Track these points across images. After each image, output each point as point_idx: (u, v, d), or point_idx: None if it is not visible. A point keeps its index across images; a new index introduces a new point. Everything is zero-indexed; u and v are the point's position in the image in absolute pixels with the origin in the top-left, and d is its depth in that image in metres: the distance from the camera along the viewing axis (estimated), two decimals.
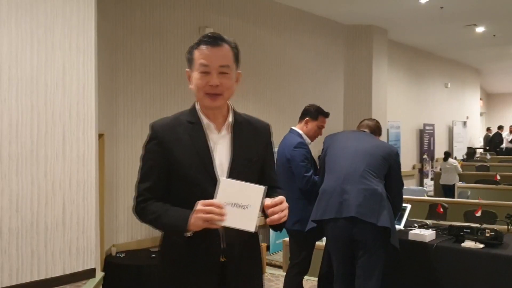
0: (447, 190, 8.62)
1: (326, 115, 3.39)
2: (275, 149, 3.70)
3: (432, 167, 11.31)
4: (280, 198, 1.41)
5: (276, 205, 1.38)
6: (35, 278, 3.43)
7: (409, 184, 9.81)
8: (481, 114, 16.68)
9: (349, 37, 8.34)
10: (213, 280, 1.46)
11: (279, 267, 5.34)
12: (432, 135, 11.52)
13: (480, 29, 8.92)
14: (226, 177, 1.44)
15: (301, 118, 3.40)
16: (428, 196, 8.07)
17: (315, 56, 7.71)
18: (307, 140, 3.34)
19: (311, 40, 7.61)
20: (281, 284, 3.44)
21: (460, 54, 11.91)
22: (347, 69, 8.37)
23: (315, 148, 3.47)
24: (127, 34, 5.10)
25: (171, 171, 1.47)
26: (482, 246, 2.89)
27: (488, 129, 15.37)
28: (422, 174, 11.16)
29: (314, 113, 3.34)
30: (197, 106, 1.54)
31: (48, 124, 3.52)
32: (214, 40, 1.46)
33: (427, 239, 3.08)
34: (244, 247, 1.51)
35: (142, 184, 1.49)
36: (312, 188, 3.12)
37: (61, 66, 3.59)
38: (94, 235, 3.73)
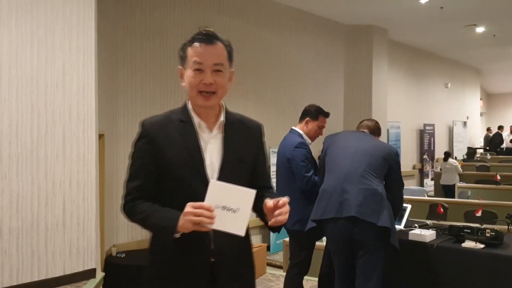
0: (448, 190, 8.62)
1: (327, 115, 3.39)
2: (275, 149, 3.71)
3: (432, 167, 11.31)
4: (285, 199, 1.40)
5: (282, 206, 1.38)
6: (35, 279, 3.43)
7: (410, 184, 9.81)
8: (481, 114, 16.68)
9: (349, 37, 8.33)
10: (203, 281, 1.45)
11: (280, 267, 5.33)
12: (432, 135, 11.52)
13: (480, 29, 8.92)
14: (217, 177, 1.44)
15: (302, 118, 3.40)
16: (428, 196, 8.07)
17: (315, 56, 7.71)
18: (308, 140, 3.34)
19: (311, 40, 7.61)
20: (282, 284, 3.44)
21: (460, 54, 11.91)
22: (347, 69, 8.37)
23: (316, 148, 3.47)
24: (127, 34, 5.10)
25: (161, 170, 1.45)
26: (482, 246, 2.89)
27: (488, 129, 15.36)
28: (422, 174, 11.16)
29: (315, 113, 3.34)
30: (189, 105, 1.52)
31: (48, 124, 3.51)
32: (208, 38, 1.43)
33: (428, 239, 3.08)
34: (234, 247, 1.49)
35: (131, 182, 1.47)
36: (312, 188, 3.12)
37: (61, 66, 3.59)
38: (94, 235, 3.73)
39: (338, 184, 2.86)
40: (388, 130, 9.20)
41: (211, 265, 1.45)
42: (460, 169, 8.92)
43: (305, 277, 3.35)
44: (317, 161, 3.32)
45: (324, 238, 3.14)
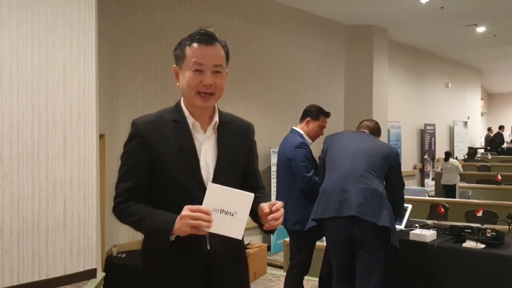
0: (448, 190, 8.61)
1: (327, 115, 3.39)
2: (276, 149, 3.71)
3: (433, 167, 11.30)
4: (279, 204, 1.39)
5: (276, 211, 1.37)
6: (36, 279, 3.43)
7: (410, 184, 9.81)
8: (482, 114, 16.66)
9: (349, 37, 8.33)
10: (200, 282, 1.43)
11: (280, 267, 5.33)
12: (433, 135, 11.52)
13: (480, 29, 8.91)
14: (212, 178, 1.42)
15: (302, 118, 3.40)
16: (429, 196, 8.07)
17: (315, 56, 7.71)
18: (308, 140, 3.34)
19: (311, 40, 7.61)
20: (282, 284, 3.43)
21: (461, 54, 11.90)
22: (348, 69, 8.37)
23: (316, 149, 3.47)
24: (128, 34, 5.10)
25: (154, 171, 1.42)
26: (483, 246, 2.89)
27: (489, 129, 15.35)
28: (423, 174, 11.16)
29: (315, 113, 3.34)
30: (182, 104, 1.49)
31: (49, 125, 3.52)
32: (208, 39, 1.41)
33: (428, 239, 3.08)
34: (230, 247, 1.48)
35: (123, 184, 1.43)
36: (312, 188, 3.12)
37: (61, 67, 3.59)
38: (95, 235, 3.73)
39: (338, 184, 2.86)
40: (388, 130, 9.19)
41: (208, 266, 1.44)
42: (461, 169, 8.92)
43: (306, 277, 3.35)
44: (318, 161, 3.33)
45: (325, 238, 3.14)
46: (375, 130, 3.24)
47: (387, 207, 2.80)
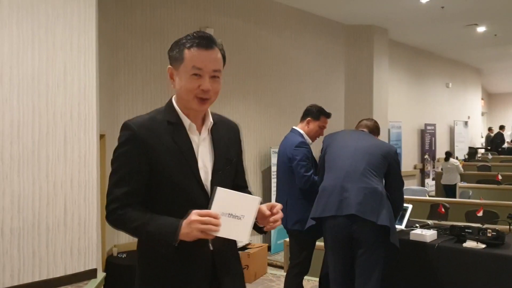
0: (449, 190, 8.61)
1: (328, 115, 3.39)
2: (276, 149, 3.71)
3: (434, 167, 11.30)
4: (279, 206, 1.41)
5: (277, 213, 1.39)
6: (37, 279, 3.44)
7: (411, 184, 9.80)
8: (483, 114, 16.66)
9: (349, 37, 8.33)
10: (205, 284, 1.43)
11: (280, 267, 5.33)
12: (433, 135, 11.52)
13: (481, 29, 8.91)
14: (210, 180, 1.43)
15: (303, 118, 3.40)
16: (429, 196, 8.06)
17: (315, 56, 7.71)
18: (308, 140, 3.34)
19: (311, 40, 7.61)
20: (282, 285, 3.43)
21: (461, 54, 11.90)
22: (348, 69, 8.37)
23: (316, 149, 3.47)
24: (128, 34, 5.10)
25: (153, 174, 1.38)
26: (483, 246, 2.89)
27: (490, 129, 15.34)
28: (423, 174, 11.15)
29: (316, 113, 3.35)
30: (176, 105, 1.46)
31: (49, 125, 3.52)
32: (208, 43, 1.40)
33: (429, 239, 3.08)
34: (228, 245, 1.50)
35: (119, 189, 1.36)
36: (311, 188, 3.12)
37: (62, 67, 3.59)
38: (95, 235, 3.73)
39: (338, 183, 2.86)
40: (389, 130, 9.19)
41: (212, 266, 1.44)
42: (461, 169, 8.91)
43: (306, 277, 3.35)
44: (318, 160, 3.33)
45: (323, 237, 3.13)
46: (374, 129, 3.24)
47: (387, 206, 2.80)
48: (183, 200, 1.38)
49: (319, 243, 3.39)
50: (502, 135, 14.36)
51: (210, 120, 1.50)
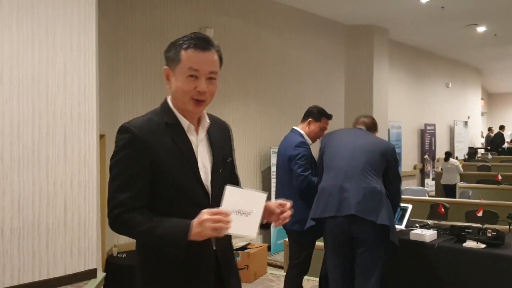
0: (448, 190, 8.61)
1: (329, 117, 3.40)
2: (276, 149, 3.71)
3: (433, 167, 11.30)
4: (290, 203, 1.45)
5: (287, 209, 1.44)
6: (37, 279, 3.44)
7: (410, 184, 9.81)
8: (483, 114, 16.66)
9: (349, 37, 8.33)
10: (211, 283, 1.44)
11: (280, 267, 5.33)
12: (433, 135, 11.52)
13: (481, 29, 8.91)
14: (210, 180, 1.45)
15: (304, 118, 3.40)
16: (429, 196, 8.06)
17: (316, 56, 7.71)
18: (308, 140, 3.34)
19: (312, 40, 7.61)
20: (282, 285, 3.43)
21: (461, 53, 11.90)
22: (348, 69, 8.37)
23: (316, 150, 3.48)
24: (128, 34, 5.10)
25: (154, 176, 1.37)
26: (483, 246, 2.89)
27: (490, 129, 15.34)
28: (423, 174, 11.15)
29: (317, 115, 3.35)
30: (172, 106, 1.46)
31: (49, 125, 3.52)
32: (205, 44, 1.40)
33: (429, 239, 3.08)
34: (229, 246, 1.52)
35: (123, 193, 1.34)
36: (307, 188, 3.11)
37: (62, 67, 3.59)
38: (95, 235, 3.73)
39: (337, 183, 2.86)
40: (389, 130, 9.19)
41: (217, 266, 1.45)
42: (461, 169, 8.91)
43: (306, 277, 3.35)
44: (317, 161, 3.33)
45: (323, 237, 3.13)
46: (372, 126, 3.22)
47: (386, 205, 2.80)
48: (184, 201, 1.38)
49: (319, 243, 3.39)
50: (502, 135, 14.36)
51: (207, 121, 1.51)
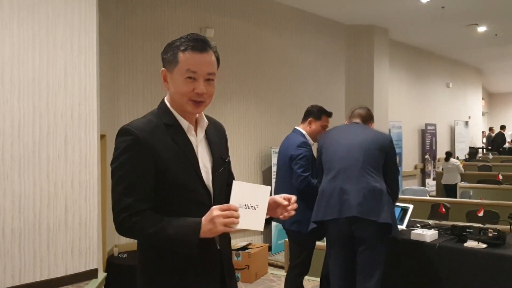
0: (449, 190, 8.60)
1: (329, 114, 3.40)
2: (277, 150, 3.71)
3: (434, 167, 11.29)
4: (295, 197, 1.45)
5: (294, 202, 1.45)
6: (38, 279, 3.44)
7: (411, 184, 9.80)
8: (483, 113, 16.65)
9: (350, 37, 8.33)
10: (216, 283, 1.46)
11: (281, 267, 5.33)
12: (434, 135, 11.51)
13: (481, 29, 8.90)
14: (211, 179, 1.46)
15: (305, 118, 3.40)
16: (430, 196, 8.05)
17: (316, 56, 7.71)
18: (310, 140, 3.34)
19: (312, 40, 7.61)
20: (283, 285, 3.43)
21: (462, 53, 11.89)
22: (348, 69, 8.36)
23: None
24: (129, 34, 5.11)
25: (157, 177, 1.37)
26: (484, 246, 2.88)
27: (491, 129, 15.34)
28: (424, 174, 11.15)
29: (317, 113, 3.35)
30: (171, 107, 1.46)
31: (50, 125, 3.52)
32: (202, 46, 1.40)
33: (429, 239, 3.08)
34: (229, 245, 1.54)
35: (129, 196, 1.33)
36: (306, 188, 3.11)
37: (62, 67, 3.59)
38: (96, 235, 3.73)
39: (336, 185, 2.85)
40: (389, 130, 9.19)
41: (221, 265, 1.46)
42: (462, 169, 8.90)
43: (306, 277, 3.35)
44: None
45: (325, 239, 3.13)
46: (367, 117, 3.18)
47: (387, 202, 2.79)
48: (188, 201, 1.39)
49: (319, 243, 3.39)
50: (503, 135, 14.35)
51: (205, 121, 1.51)
